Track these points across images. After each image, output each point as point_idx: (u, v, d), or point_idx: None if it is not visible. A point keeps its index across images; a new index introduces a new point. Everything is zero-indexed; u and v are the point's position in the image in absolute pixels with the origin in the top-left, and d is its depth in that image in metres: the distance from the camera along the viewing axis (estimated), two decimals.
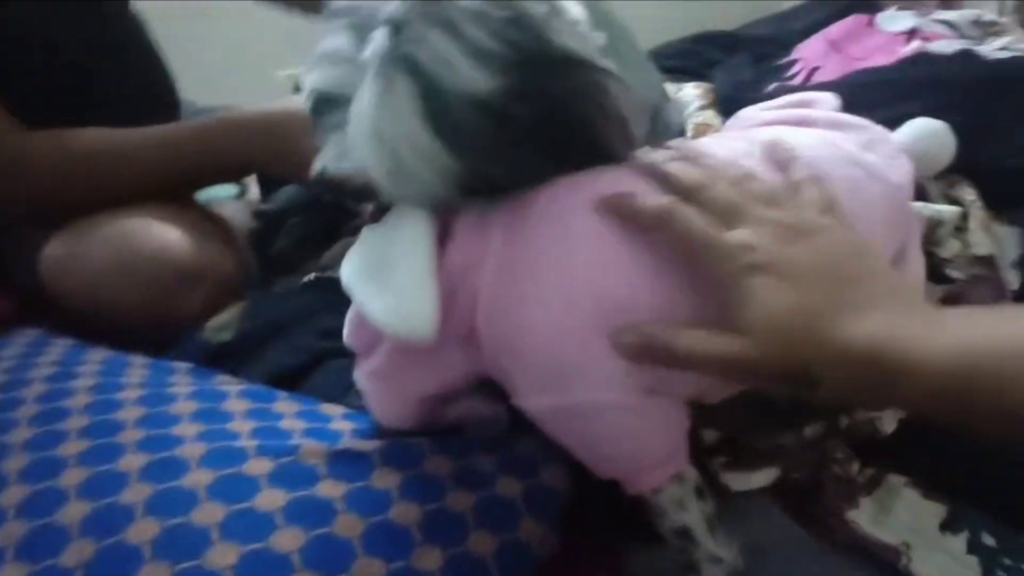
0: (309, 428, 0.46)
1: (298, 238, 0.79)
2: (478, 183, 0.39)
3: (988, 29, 1.09)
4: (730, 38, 1.19)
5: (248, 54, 1.75)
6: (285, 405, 0.49)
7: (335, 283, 0.70)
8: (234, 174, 0.79)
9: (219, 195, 0.89)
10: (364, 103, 0.37)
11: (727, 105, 0.81)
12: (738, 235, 0.36)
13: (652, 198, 0.39)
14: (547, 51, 0.38)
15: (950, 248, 0.62)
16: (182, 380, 0.51)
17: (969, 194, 0.68)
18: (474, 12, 0.37)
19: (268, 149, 0.70)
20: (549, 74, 0.38)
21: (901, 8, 1.04)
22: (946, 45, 0.81)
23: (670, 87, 0.93)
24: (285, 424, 0.46)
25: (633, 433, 0.41)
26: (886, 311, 0.34)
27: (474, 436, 0.47)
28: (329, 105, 0.40)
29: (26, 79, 0.73)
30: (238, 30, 1.71)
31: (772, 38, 1.13)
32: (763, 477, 0.51)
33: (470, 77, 0.36)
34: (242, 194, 0.94)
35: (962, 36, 1.03)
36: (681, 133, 0.76)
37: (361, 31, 0.38)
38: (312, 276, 0.71)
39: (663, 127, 0.61)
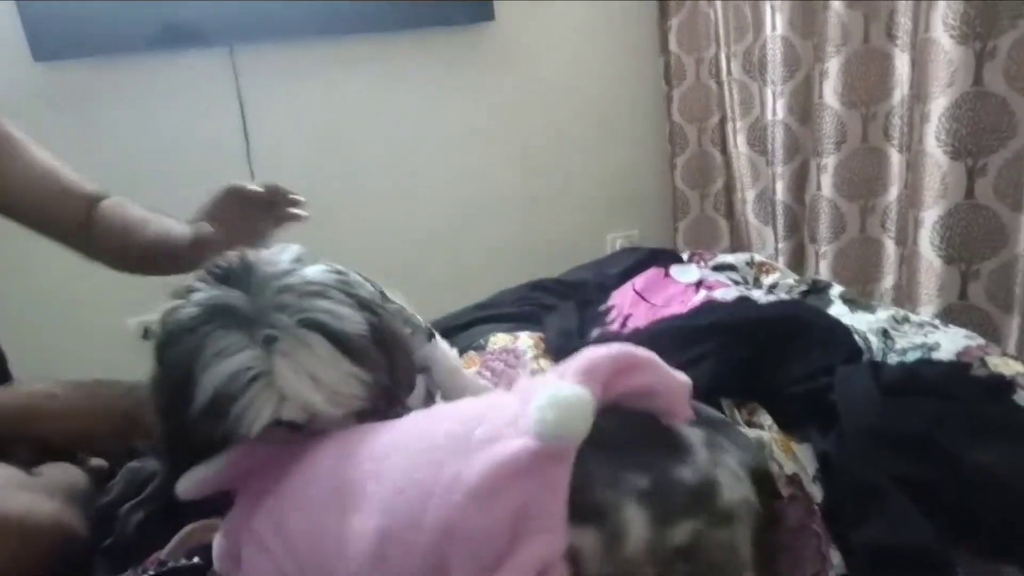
0: None
1: (136, 527, 0.74)
2: (380, 392, 0.59)
3: (760, 268, 1.32)
4: (559, 284, 1.35)
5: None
6: None
7: None
8: None
9: None
10: (290, 358, 0.54)
11: (557, 353, 0.91)
12: None
13: None
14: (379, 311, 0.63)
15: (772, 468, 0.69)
16: None
17: (766, 419, 0.79)
18: (333, 287, 0.59)
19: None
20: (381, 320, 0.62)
21: (690, 259, 1.25)
22: (727, 292, 0.97)
23: (509, 336, 1.04)
24: None
25: None
26: None
27: None
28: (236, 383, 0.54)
29: None
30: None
31: (593, 283, 1.29)
32: None
33: (354, 320, 0.58)
34: None
35: (739, 275, 1.25)
36: None
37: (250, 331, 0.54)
38: (151, 572, 0.66)
39: None
